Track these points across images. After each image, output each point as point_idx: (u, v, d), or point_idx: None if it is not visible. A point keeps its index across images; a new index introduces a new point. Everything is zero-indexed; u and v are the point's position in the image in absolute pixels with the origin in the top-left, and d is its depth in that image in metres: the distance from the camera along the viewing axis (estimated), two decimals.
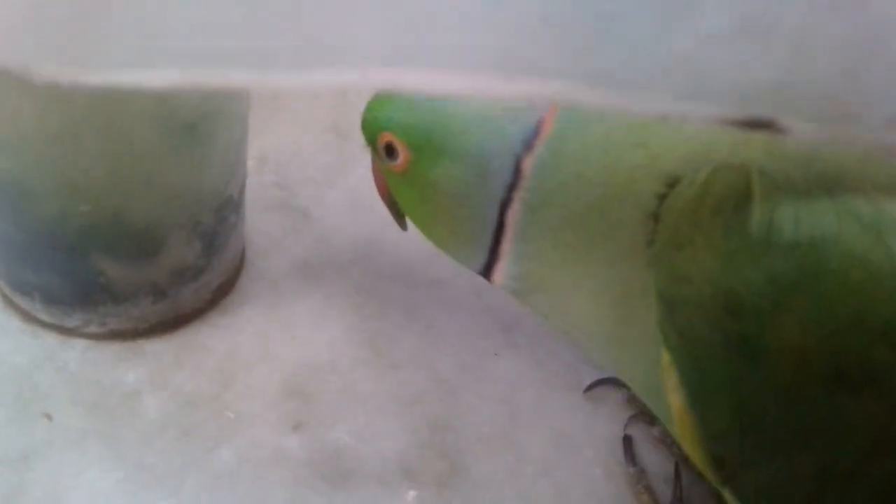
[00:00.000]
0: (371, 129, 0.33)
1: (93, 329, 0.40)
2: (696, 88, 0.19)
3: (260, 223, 0.49)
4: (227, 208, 0.39)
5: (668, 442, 0.42)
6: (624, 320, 0.28)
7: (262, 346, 0.43)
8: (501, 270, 0.31)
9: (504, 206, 0.29)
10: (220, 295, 0.43)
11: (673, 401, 0.25)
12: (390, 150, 0.32)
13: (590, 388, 0.44)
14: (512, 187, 0.29)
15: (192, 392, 0.40)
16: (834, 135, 0.20)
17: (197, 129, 0.34)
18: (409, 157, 0.31)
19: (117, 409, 0.39)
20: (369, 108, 0.33)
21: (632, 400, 0.43)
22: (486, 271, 0.32)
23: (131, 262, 0.37)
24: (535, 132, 0.28)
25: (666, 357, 0.25)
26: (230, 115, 0.36)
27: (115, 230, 0.36)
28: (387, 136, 0.31)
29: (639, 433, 0.42)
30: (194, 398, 0.40)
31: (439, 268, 0.48)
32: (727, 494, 0.26)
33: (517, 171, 0.28)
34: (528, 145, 0.28)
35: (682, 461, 0.41)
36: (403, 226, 0.38)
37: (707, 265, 0.23)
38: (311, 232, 0.49)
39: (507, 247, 0.30)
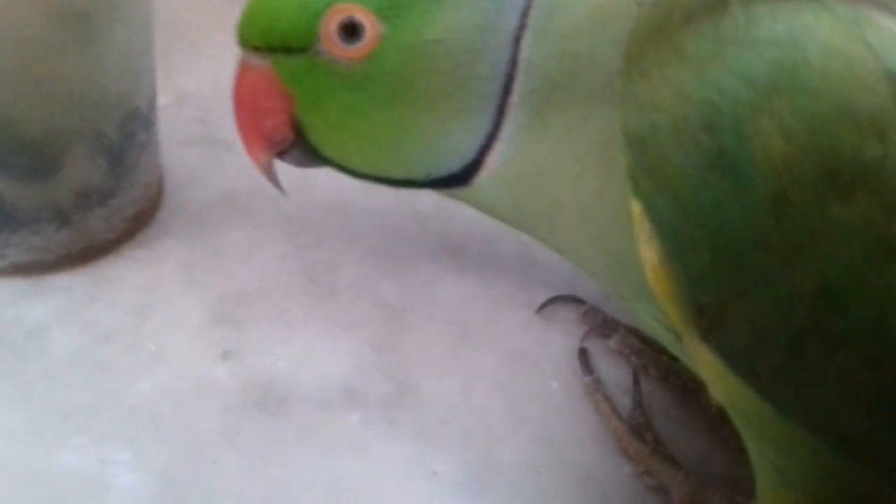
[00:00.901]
0: (308, 8, 0.26)
1: None
2: None
3: (181, 157, 0.45)
4: (134, 122, 0.36)
5: (625, 353, 0.39)
6: (601, 190, 0.26)
7: (186, 277, 0.39)
8: (502, 143, 0.26)
9: (518, 40, 0.25)
10: (136, 226, 0.39)
11: (647, 254, 0.23)
12: (350, 30, 0.25)
13: (543, 306, 0.41)
14: (525, 12, 0.25)
15: (106, 326, 0.36)
16: None
17: (89, 19, 0.31)
18: (384, 30, 0.25)
19: (22, 346, 0.35)
20: None
21: (588, 314, 0.41)
22: (478, 159, 0.27)
23: (27, 179, 0.33)
24: None
25: (636, 207, 0.22)
26: (127, 10, 0.33)
27: (6, 141, 0.32)
28: (347, 10, 0.25)
29: (596, 347, 0.40)
30: (109, 332, 0.36)
31: (380, 197, 0.45)
32: (706, 355, 0.23)
33: None
34: None
35: (640, 369, 0.39)
36: (279, 186, 0.32)
37: (677, 81, 0.21)
38: (235, 164, 0.45)
39: (515, 99, 0.26)
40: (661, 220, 0.22)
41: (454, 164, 0.28)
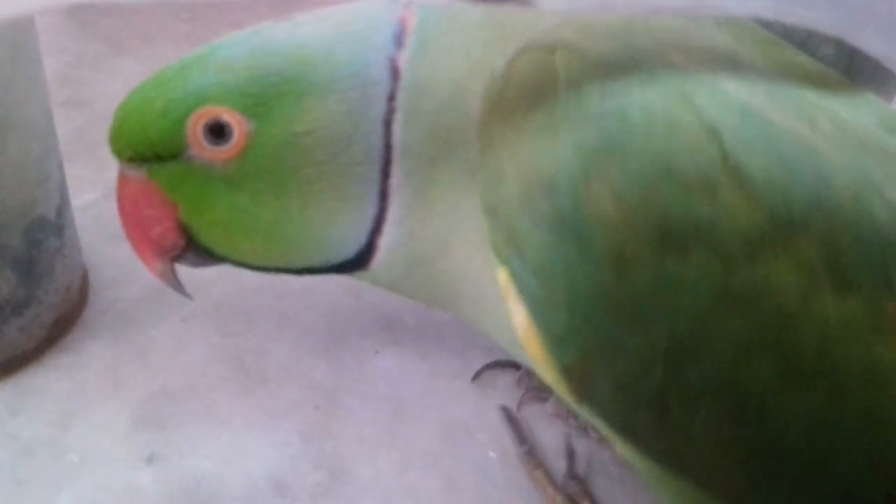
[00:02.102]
0: (170, 116, 0.25)
1: None
2: None
3: (108, 253, 0.45)
4: (41, 230, 0.36)
5: (562, 415, 0.39)
6: (485, 262, 0.25)
7: (111, 379, 0.38)
8: (390, 226, 0.26)
9: (388, 123, 0.25)
10: (57, 332, 0.39)
11: (516, 320, 0.23)
12: (217, 132, 0.25)
13: (478, 374, 0.41)
14: (392, 96, 0.25)
15: (28, 439, 0.35)
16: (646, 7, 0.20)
17: None
18: (252, 128, 0.25)
19: None
20: (162, 85, 0.26)
21: (522, 379, 0.41)
22: (370, 243, 0.27)
23: None
24: (401, 27, 0.25)
25: (502, 275, 0.23)
26: (20, 123, 0.33)
27: None
28: (210, 112, 0.25)
29: (532, 412, 0.39)
30: (31, 445, 0.35)
31: None
32: (589, 416, 0.23)
33: (394, 73, 0.25)
34: (398, 41, 0.25)
35: (580, 430, 0.38)
36: (181, 289, 0.31)
37: (516, 152, 0.22)
38: None
39: (395, 181, 0.25)
40: (522, 285, 0.22)
41: (347, 250, 0.27)
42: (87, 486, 0.34)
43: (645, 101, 0.21)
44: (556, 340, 0.22)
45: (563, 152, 0.21)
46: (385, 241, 0.27)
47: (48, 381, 0.38)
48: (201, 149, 0.25)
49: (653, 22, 0.24)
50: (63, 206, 0.38)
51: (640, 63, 0.22)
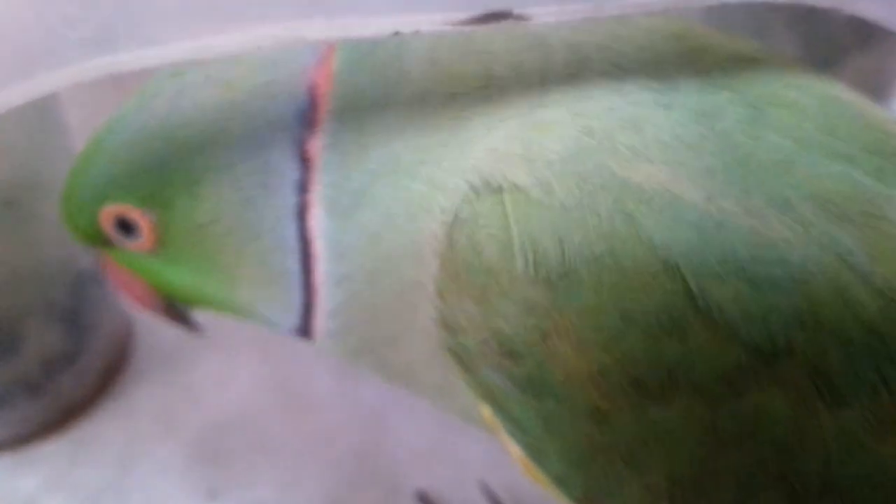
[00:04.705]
0: (84, 213, 0.24)
1: None
2: None
3: None
4: (86, 283, 0.37)
5: None
6: (446, 366, 0.22)
7: (164, 420, 0.39)
8: (321, 317, 0.23)
9: (302, 214, 0.22)
10: (108, 379, 0.40)
11: (511, 451, 0.22)
12: (125, 227, 0.23)
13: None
14: (305, 185, 0.22)
15: (92, 487, 0.36)
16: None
17: (16, 205, 0.32)
18: (156, 219, 0.23)
19: None
20: (74, 178, 0.24)
21: None
22: (307, 319, 0.24)
23: None
24: (310, 99, 0.21)
25: (485, 411, 0.21)
26: (55, 186, 0.33)
27: None
28: (113, 209, 0.23)
29: None
30: (95, 493, 0.36)
31: None
32: None
33: (304, 161, 0.21)
34: (306, 119, 0.21)
35: None
36: (192, 327, 0.29)
37: (469, 309, 0.20)
38: None
39: (320, 277, 0.22)
40: (508, 426, 0.21)
41: (286, 326, 0.25)
42: None
43: (588, 244, 0.18)
44: (557, 480, 0.21)
45: (512, 309, 0.19)
46: (320, 327, 0.24)
47: (104, 429, 0.39)
48: (121, 242, 0.24)
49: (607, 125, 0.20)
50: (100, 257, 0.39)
51: (588, 192, 0.19)
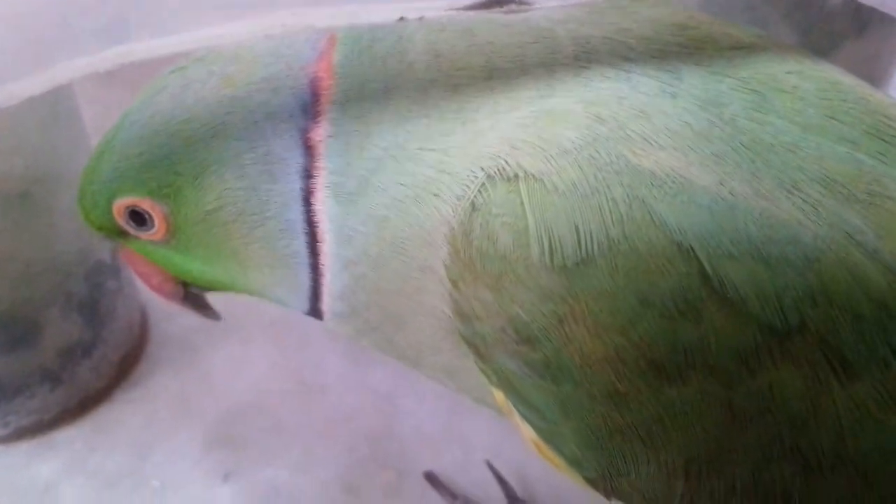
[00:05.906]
0: (99, 206, 0.24)
1: None
2: None
3: None
4: (102, 274, 0.38)
5: None
6: (456, 348, 0.23)
7: (180, 406, 0.40)
8: (329, 298, 0.24)
9: (308, 200, 0.22)
10: (125, 368, 0.41)
11: (525, 433, 0.22)
12: (138, 218, 0.24)
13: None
14: (310, 172, 0.22)
15: (110, 472, 0.37)
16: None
17: (32, 196, 0.33)
18: (166, 209, 0.24)
19: None
20: (89, 174, 0.25)
21: None
22: (315, 301, 0.25)
23: (10, 350, 0.35)
24: (312, 92, 0.22)
25: (499, 396, 0.22)
26: (71, 178, 0.34)
27: None
28: (125, 202, 0.24)
29: None
30: (113, 477, 0.37)
31: None
32: None
33: (308, 149, 0.22)
34: (309, 110, 0.22)
35: None
36: (211, 313, 0.30)
37: (484, 297, 0.20)
38: None
39: (326, 259, 0.23)
40: (522, 413, 0.21)
41: (297, 307, 0.26)
42: None
43: (605, 225, 0.19)
44: (572, 461, 0.21)
45: (530, 297, 0.19)
46: (328, 308, 0.25)
47: (121, 416, 0.40)
48: (135, 232, 0.25)
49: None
50: (116, 248, 0.40)
51: (602, 178, 0.19)
